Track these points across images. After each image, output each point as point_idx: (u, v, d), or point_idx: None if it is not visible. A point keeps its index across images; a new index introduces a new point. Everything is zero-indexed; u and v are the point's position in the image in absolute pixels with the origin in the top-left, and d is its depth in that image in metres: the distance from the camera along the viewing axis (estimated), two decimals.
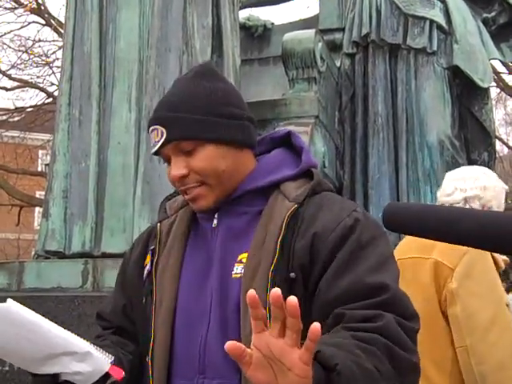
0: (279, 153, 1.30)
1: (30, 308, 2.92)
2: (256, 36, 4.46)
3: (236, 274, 1.18)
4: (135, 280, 1.31)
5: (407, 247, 1.92)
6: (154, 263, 1.27)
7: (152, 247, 1.30)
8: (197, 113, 1.21)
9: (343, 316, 1.10)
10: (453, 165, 3.74)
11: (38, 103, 13.69)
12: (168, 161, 1.24)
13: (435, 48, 3.75)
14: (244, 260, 1.19)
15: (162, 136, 1.21)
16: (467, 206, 1.89)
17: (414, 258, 1.85)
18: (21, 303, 3.06)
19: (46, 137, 15.75)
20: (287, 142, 1.31)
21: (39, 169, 17.51)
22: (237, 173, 1.25)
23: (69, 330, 2.83)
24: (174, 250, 1.27)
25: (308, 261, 1.15)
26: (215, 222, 1.25)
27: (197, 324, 1.19)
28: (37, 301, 2.83)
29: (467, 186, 2.00)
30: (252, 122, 1.27)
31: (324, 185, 1.26)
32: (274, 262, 1.15)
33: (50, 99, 13.32)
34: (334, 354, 0.99)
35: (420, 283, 1.82)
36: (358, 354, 1.01)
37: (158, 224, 1.33)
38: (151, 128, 1.23)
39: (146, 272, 1.29)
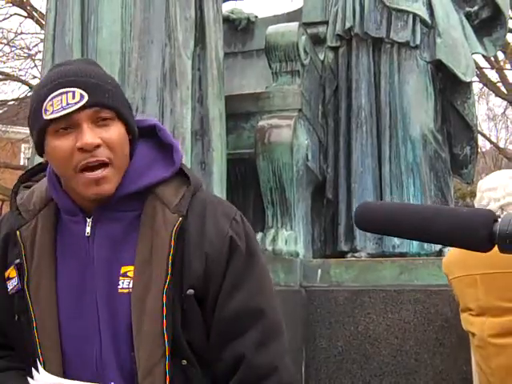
0: (147, 150, 1.20)
1: None
2: (239, 29, 4.44)
3: (123, 288, 1.13)
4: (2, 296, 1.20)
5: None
6: (26, 281, 1.17)
7: (17, 261, 1.18)
8: (117, 89, 1.17)
9: (240, 363, 1.14)
10: (435, 159, 3.76)
11: (21, 96, 13.56)
12: (69, 127, 1.11)
13: (418, 42, 3.75)
14: (129, 274, 1.13)
15: (81, 98, 1.10)
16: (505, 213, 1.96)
17: None
18: None
19: (28, 130, 15.62)
20: (152, 134, 1.22)
21: (21, 162, 17.33)
22: (126, 163, 1.17)
23: None
24: (45, 264, 1.17)
25: (202, 281, 1.14)
26: (88, 229, 1.16)
27: (87, 344, 1.14)
28: None
29: (499, 195, 2.18)
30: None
31: (197, 184, 1.21)
32: (168, 280, 1.12)
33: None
34: None
35: None
36: None
37: (18, 232, 1.19)
38: (63, 90, 1.11)
39: (12, 287, 1.18)
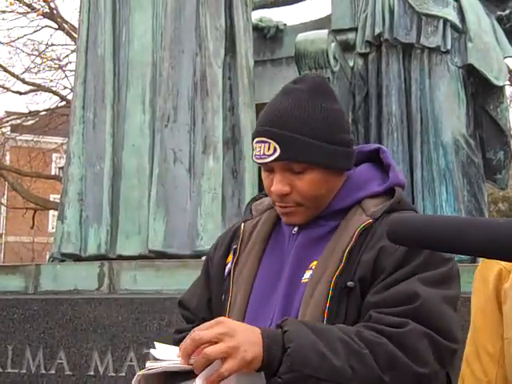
0: (367, 169, 1.33)
1: (46, 310, 2.92)
2: (268, 37, 4.46)
3: (305, 279, 1.23)
4: (218, 277, 1.36)
5: None
6: (234, 262, 1.32)
7: (234, 247, 1.34)
8: (314, 137, 1.23)
9: (370, 318, 1.13)
10: (468, 164, 3.72)
11: (52, 107, 13.78)
12: (269, 171, 1.27)
13: (449, 47, 3.72)
14: (313, 267, 1.23)
15: (274, 152, 1.22)
16: None
17: None
18: (37, 305, 3.06)
19: (60, 140, 15.86)
20: (375, 156, 1.34)
21: (53, 172, 17.61)
22: (331, 194, 1.29)
23: (85, 332, 2.82)
24: (254, 251, 1.32)
25: (370, 273, 1.18)
26: (296, 229, 1.29)
27: (263, 320, 1.22)
28: (53, 303, 2.85)
29: None
30: (353, 145, 1.31)
31: (404, 204, 1.28)
32: (338, 270, 1.18)
33: (63, 102, 13.40)
34: (297, 336, 1.06)
35: None
36: (333, 346, 1.06)
37: (243, 224, 1.38)
38: (261, 139, 1.24)
39: (226, 270, 1.34)
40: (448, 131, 3.65)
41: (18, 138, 15.62)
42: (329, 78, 3.49)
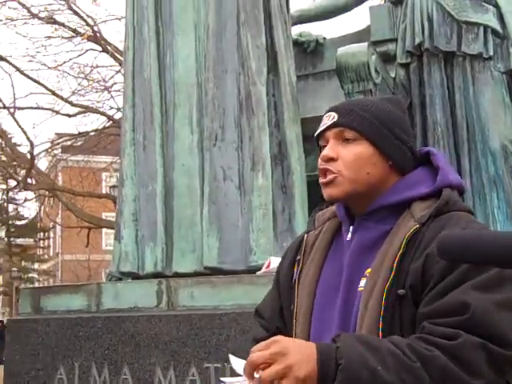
0: (418, 172, 1.34)
1: (109, 328, 3.06)
2: (309, 51, 4.51)
3: (361, 287, 1.26)
4: (286, 287, 1.42)
5: None
6: (298, 273, 1.38)
7: (298, 258, 1.41)
8: (372, 116, 1.32)
9: (423, 329, 1.14)
10: None
11: (99, 127, 14.13)
12: (325, 145, 1.33)
13: (491, 53, 3.70)
14: (368, 274, 1.26)
15: (332, 119, 1.32)
16: None
17: None
18: (100, 323, 3.20)
19: (109, 159, 16.24)
20: (427, 160, 1.35)
21: (103, 191, 18.00)
22: (377, 185, 1.31)
23: (147, 349, 2.93)
24: (315, 260, 1.37)
25: (420, 281, 1.19)
26: (349, 235, 1.33)
27: (326, 333, 1.26)
28: (115, 321, 2.97)
29: None
30: (413, 153, 1.35)
31: (454, 205, 1.27)
32: (390, 279, 1.20)
33: (111, 122, 13.73)
34: (348, 352, 1.08)
35: None
36: (384, 361, 1.08)
37: (305, 235, 1.44)
38: (327, 114, 1.35)
39: (292, 280, 1.40)
40: (495, 137, 3.63)
41: (69, 159, 16.06)
42: (371, 89, 3.54)
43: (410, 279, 1.19)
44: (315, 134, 1.36)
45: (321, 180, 1.33)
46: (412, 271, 1.19)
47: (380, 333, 1.18)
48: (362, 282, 1.25)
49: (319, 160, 1.33)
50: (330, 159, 1.30)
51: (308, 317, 1.32)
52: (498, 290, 1.14)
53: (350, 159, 1.29)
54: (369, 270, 1.25)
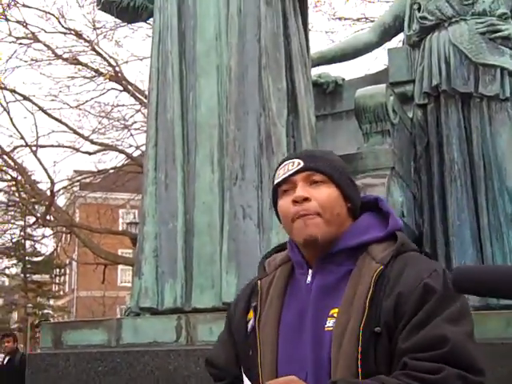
0: (368, 216, 1.44)
1: (128, 362, 3.09)
2: (328, 92, 4.59)
3: (328, 327, 1.32)
4: (241, 333, 1.45)
5: None
6: (257, 319, 1.42)
7: (254, 304, 1.44)
8: (333, 162, 1.44)
9: (406, 365, 1.22)
10: None
11: (118, 165, 14.30)
12: (291, 188, 1.40)
13: (508, 94, 3.77)
14: (335, 315, 1.32)
15: (298, 165, 1.41)
16: None
17: None
18: (120, 358, 3.22)
19: (127, 196, 16.39)
20: (375, 206, 1.46)
21: (120, 227, 18.12)
22: (341, 226, 1.40)
23: (166, 383, 2.93)
24: (273, 307, 1.42)
25: (393, 317, 1.27)
26: (309, 278, 1.39)
27: (297, 371, 1.31)
28: (135, 355, 2.99)
29: None
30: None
31: (408, 246, 1.39)
32: (364, 318, 1.27)
33: (129, 160, 13.91)
34: None
35: None
36: None
37: (259, 281, 1.48)
38: (287, 162, 1.43)
39: (250, 327, 1.43)
40: None
41: (87, 195, 16.22)
42: (389, 130, 3.60)
43: (384, 317, 1.27)
44: (277, 180, 1.42)
45: (299, 222, 1.38)
46: (385, 309, 1.27)
47: (359, 369, 1.24)
48: (330, 322, 1.32)
49: (290, 203, 1.38)
50: (305, 199, 1.37)
51: (274, 362, 1.36)
52: (464, 323, 1.26)
53: (323, 199, 1.38)
54: (335, 310, 1.32)
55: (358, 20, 13.32)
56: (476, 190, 3.74)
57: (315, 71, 4.81)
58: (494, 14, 3.95)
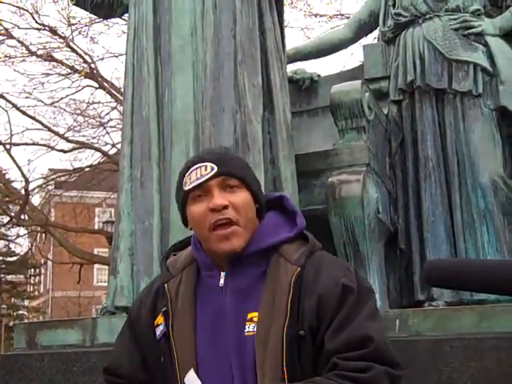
0: (275, 216, 1.44)
1: (103, 362, 3.06)
2: (304, 88, 4.59)
3: (248, 332, 1.31)
4: (148, 338, 1.41)
5: None
6: (170, 325, 1.38)
7: (164, 309, 1.40)
8: (241, 163, 1.44)
9: (337, 365, 1.24)
10: (508, 204, 3.75)
11: (94, 163, 14.18)
12: (204, 194, 1.37)
13: (481, 90, 3.80)
14: (254, 319, 1.32)
15: (212, 170, 1.37)
16: None
17: None
18: (95, 358, 3.19)
19: (103, 194, 16.26)
20: (278, 204, 1.46)
21: (96, 226, 17.97)
22: (253, 228, 1.40)
23: None
24: (186, 310, 1.39)
25: (315, 320, 1.29)
26: (222, 281, 1.37)
27: (221, 378, 1.31)
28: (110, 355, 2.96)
29: None
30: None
31: (317, 245, 1.42)
32: (287, 321, 1.28)
33: (105, 158, 13.80)
34: None
35: None
36: None
37: (166, 285, 1.44)
38: (198, 165, 1.37)
39: (159, 332, 1.39)
40: (485, 173, 3.70)
41: (62, 194, 16.05)
42: (364, 126, 3.61)
43: (307, 319, 1.28)
44: (190, 186, 1.36)
45: (218, 234, 1.35)
46: (307, 311, 1.29)
47: (285, 374, 1.26)
48: (250, 327, 1.31)
49: (205, 210, 1.34)
50: (225, 207, 1.35)
51: (194, 366, 1.34)
52: (378, 317, 1.34)
53: (240, 205, 1.37)
54: (253, 314, 1.32)
55: (334, 17, 13.38)
56: (450, 186, 3.77)
57: (291, 67, 4.82)
58: (468, 10, 3.99)
